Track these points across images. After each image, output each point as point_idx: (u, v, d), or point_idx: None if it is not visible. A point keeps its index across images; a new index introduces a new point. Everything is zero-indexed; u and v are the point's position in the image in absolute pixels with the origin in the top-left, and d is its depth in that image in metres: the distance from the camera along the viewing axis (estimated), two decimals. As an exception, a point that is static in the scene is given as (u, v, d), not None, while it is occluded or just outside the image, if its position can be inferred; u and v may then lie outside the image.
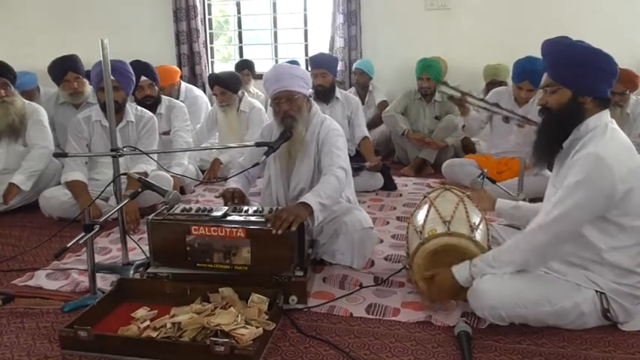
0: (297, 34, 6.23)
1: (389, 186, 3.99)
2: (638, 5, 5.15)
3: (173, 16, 6.02)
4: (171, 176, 3.42)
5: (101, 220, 2.12)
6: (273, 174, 2.69)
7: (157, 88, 3.92)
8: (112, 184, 2.46)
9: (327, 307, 2.19)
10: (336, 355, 1.88)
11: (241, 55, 6.37)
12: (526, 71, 3.57)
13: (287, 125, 2.51)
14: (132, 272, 2.50)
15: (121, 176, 2.49)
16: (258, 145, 2.52)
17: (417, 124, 4.72)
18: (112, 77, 2.48)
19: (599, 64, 1.86)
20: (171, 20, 6.05)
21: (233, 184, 2.66)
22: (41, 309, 2.22)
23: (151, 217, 2.29)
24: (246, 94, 4.50)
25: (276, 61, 6.12)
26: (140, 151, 2.74)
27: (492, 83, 4.78)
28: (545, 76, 1.95)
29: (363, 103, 5.00)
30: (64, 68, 3.96)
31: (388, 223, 3.28)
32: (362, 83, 5.42)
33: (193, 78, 6.08)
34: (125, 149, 2.53)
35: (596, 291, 1.91)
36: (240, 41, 6.41)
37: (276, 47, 6.27)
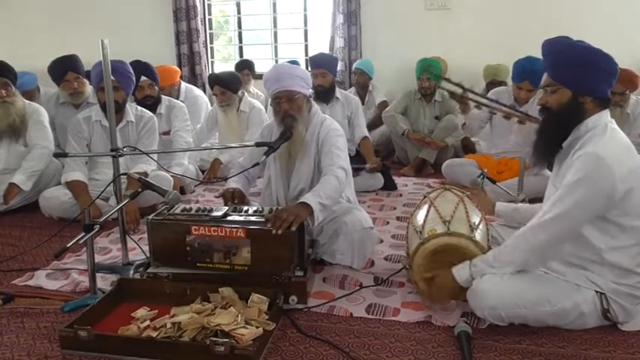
0: (297, 34, 6.23)
1: (389, 186, 4.00)
2: (638, 5, 5.15)
3: (173, 16, 6.02)
4: (172, 176, 3.42)
5: (101, 220, 2.13)
6: (273, 174, 2.69)
7: (157, 88, 3.92)
8: (112, 184, 2.46)
9: (327, 307, 2.19)
10: (336, 355, 1.88)
11: (241, 55, 6.37)
12: (526, 71, 3.57)
13: (287, 125, 2.51)
14: (132, 272, 2.50)
15: (121, 176, 2.49)
16: (258, 145, 2.52)
17: (417, 124, 4.73)
18: (112, 77, 2.48)
19: (599, 64, 1.86)
20: (171, 20, 6.05)
21: (233, 184, 2.66)
22: (41, 309, 2.22)
23: (151, 217, 2.29)
24: (246, 94, 4.50)
25: (276, 61, 6.12)
26: (140, 151, 2.75)
27: (492, 83, 4.78)
28: (545, 76, 1.95)
29: (363, 103, 5.00)
30: (64, 68, 3.96)
31: (388, 223, 3.28)
32: (362, 83, 5.42)
33: (193, 78, 6.08)
34: (125, 149, 2.53)
35: (596, 291, 1.91)
36: (240, 41, 6.42)
37: (276, 47, 6.27)
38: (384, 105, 5.20)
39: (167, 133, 3.93)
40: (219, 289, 2.09)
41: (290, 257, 2.17)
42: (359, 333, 2.02)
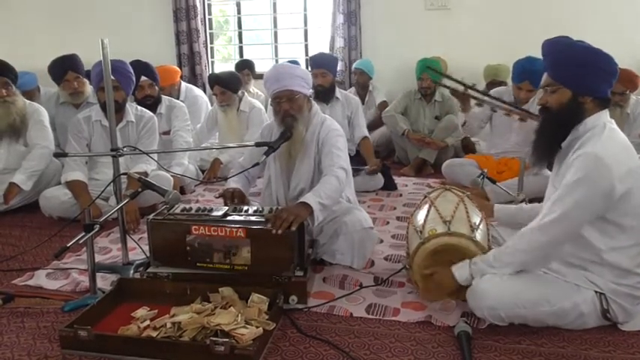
0: (297, 34, 6.23)
1: (389, 186, 4.00)
2: (638, 5, 5.16)
3: (173, 16, 6.02)
4: (172, 176, 3.42)
5: (101, 219, 2.13)
6: (273, 174, 2.69)
7: (157, 88, 3.92)
8: (112, 183, 2.46)
9: (327, 307, 2.19)
10: (336, 355, 1.88)
11: (241, 55, 6.37)
12: (526, 71, 3.56)
13: (287, 125, 2.51)
14: (132, 272, 2.50)
15: (121, 176, 2.49)
16: (258, 145, 2.52)
17: (417, 124, 4.73)
18: (112, 77, 2.48)
19: (599, 64, 1.86)
20: (171, 20, 6.05)
21: (233, 184, 2.66)
22: (41, 309, 2.22)
23: (151, 216, 2.29)
24: (246, 94, 4.50)
25: (276, 61, 6.12)
26: (140, 150, 2.75)
27: (492, 83, 4.78)
28: (545, 76, 1.95)
29: (363, 103, 5.01)
30: (64, 68, 3.96)
31: (388, 223, 3.28)
32: (362, 83, 5.42)
33: (193, 78, 6.08)
34: (125, 149, 2.53)
35: (596, 291, 1.91)
36: (241, 41, 6.42)
37: (276, 47, 6.27)
38: (384, 105, 5.20)
39: (167, 132, 3.93)
40: (219, 289, 2.09)
41: (290, 257, 2.17)
42: (359, 333, 2.02)
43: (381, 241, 2.91)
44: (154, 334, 1.88)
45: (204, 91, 5.58)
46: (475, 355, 1.86)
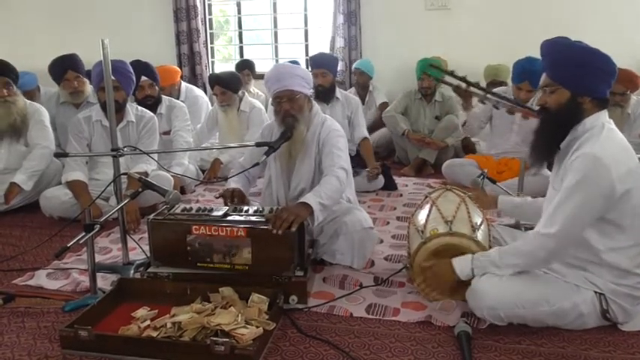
0: (298, 34, 6.23)
1: (389, 186, 4.00)
2: (638, 5, 5.15)
3: (173, 16, 6.02)
4: (172, 176, 3.42)
5: (101, 219, 2.13)
6: (273, 174, 2.69)
7: (157, 88, 3.92)
8: (112, 183, 2.46)
9: (327, 307, 2.19)
10: (336, 355, 1.88)
11: (242, 55, 6.37)
12: (526, 72, 3.56)
13: (288, 125, 2.51)
14: (132, 272, 2.50)
15: (122, 176, 2.49)
16: (258, 145, 2.52)
17: (418, 124, 4.73)
18: (112, 77, 2.48)
19: (597, 64, 1.86)
20: (171, 20, 6.05)
21: (233, 184, 2.66)
22: (42, 308, 2.22)
23: (151, 216, 2.29)
24: (246, 94, 4.50)
25: (277, 61, 6.12)
26: (140, 150, 2.75)
27: (493, 83, 4.77)
28: (544, 76, 1.95)
29: (363, 104, 5.01)
30: (64, 67, 3.96)
31: (388, 223, 3.28)
32: (362, 83, 5.42)
33: (194, 78, 6.08)
34: (125, 149, 2.53)
35: (595, 292, 1.91)
36: (241, 41, 6.42)
37: (276, 47, 6.28)
38: (385, 106, 5.19)
39: (167, 132, 3.93)
40: (220, 289, 2.10)
41: (291, 257, 2.17)
42: (359, 333, 2.02)
43: (381, 241, 2.91)
44: (155, 334, 1.88)
45: (205, 91, 5.58)
46: (475, 355, 1.86)
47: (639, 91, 3.86)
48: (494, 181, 2.94)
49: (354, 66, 5.48)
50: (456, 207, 2.30)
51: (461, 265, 2.00)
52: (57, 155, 3.51)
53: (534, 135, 2.01)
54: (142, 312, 2.02)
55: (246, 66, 5.55)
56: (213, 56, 6.47)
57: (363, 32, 5.74)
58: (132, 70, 3.40)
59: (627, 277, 1.90)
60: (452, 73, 3.05)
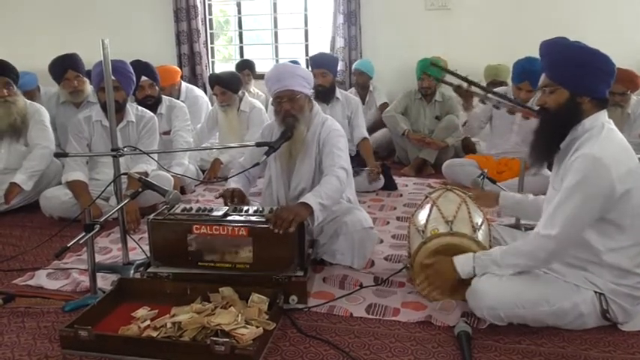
0: (298, 34, 6.23)
1: (389, 186, 4.00)
2: (638, 5, 5.15)
3: (173, 16, 6.02)
4: (172, 176, 3.42)
5: (101, 219, 2.13)
6: (273, 174, 2.69)
7: (157, 88, 3.93)
8: (112, 183, 2.46)
9: (327, 307, 2.19)
10: (336, 355, 1.88)
11: (242, 55, 6.37)
12: (525, 72, 3.56)
13: (288, 125, 2.51)
14: (132, 272, 2.50)
15: (122, 176, 2.49)
16: (258, 145, 2.52)
17: (418, 124, 4.73)
18: (112, 77, 2.48)
19: (596, 64, 1.86)
20: (171, 20, 6.05)
21: (233, 184, 2.66)
22: (42, 308, 2.22)
23: (151, 216, 2.29)
24: (246, 94, 4.51)
25: (277, 61, 6.12)
26: (140, 151, 2.75)
27: (493, 83, 4.77)
28: (543, 77, 1.95)
29: (363, 104, 5.01)
30: (64, 67, 3.96)
31: (388, 223, 3.28)
32: (362, 84, 5.42)
33: (194, 78, 6.08)
34: (126, 149, 2.53)
35: (595, 292, 1.91)
36: (241, 41, 6.42)
37: (276, 47, 6.28)
38: (385, 107, 5.18)
39: (167, 132, 3.93)
40: (220, 289, 2.10)
41: (292, 255, 2.18)
42: (359, 333, 2.02)
43: (381, 241, 2.91)
44: (155, 334, 1.88)
45: (205, 91, 5.58)
46: (475, 355, 1.86)
47: (639, 91, 3.86)
48: (494, 181, 2.94)
49: (353, 66, 5.48)
50: (457, 207, 2.30)
51: (462, 263, 2.00)
52: (57, 155, 3.51)
53: (534, 135, 2.01)
54: (142, 312, 2.03)
55: (246, 66, 5.55)
56: (213, 56, 6.47)
57: (363, 32, 5.74)
58: (132, 70, 3.40)
59: (627, 276, 1.90)
60: (454, 72, 3.04)
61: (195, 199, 3.86)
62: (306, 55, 6.09)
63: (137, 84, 3.66)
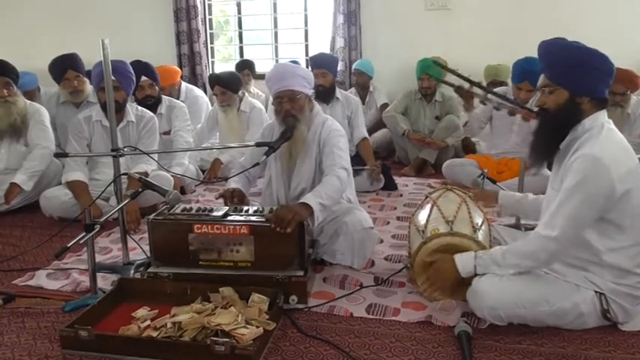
0: (298, 34, 6.23)
1: (389, 186, 4.00)
2: (638, 5, 5.15)
3: (173, 16, 6.02)
4: (172, 176, 3.42)
5: (102, 219, 2.13)
6: (274, 174, 2.69)
7: (157, 88, 3.93)
8: (112, 184, 2.46)
9: (327, 307, 2.19)
10: (336, 355, 1.88)
11: (242, 55, 6.37)
12: (525, 72, 3.56)
13: (288, 125, 2.51)
14: (132, 272, 2.50)
15: (122, 176, 2.49)
16: (258, 145, 2.52)
17: (418, 124, 4.73)
18: (112, 77, 2.48)
19: (595, 64, 1.86)
20: (171, 20, 6.05)
21: (233, 184, 2.66)
22: (42, 309, 2.22)
23: (151, 216, 2.29)
24: (246, 94, 4.51)
25: (277, 61, 6.12)
26: (141, 151, 2.75)
27: (493, 83, 4.77)
28: (542, 77, 1.95)
29: (363, 104, 5.01)
30: (64, 66, 3.97)
31: (388, 223, 3.28)
32: (361, 84, 5.42)
33: (194, 78, 6.08)
34: (126, 149, 2.53)
35: (596, 291, 1.91)
36: (241, 41, 6.42)
37: (276, 47, 6.27)
38: (385, 107, 5.18)
39: (167, 133, 3.93)
40: (220, 289, 2.10)
41: (293, 253, 2.18)
42: (359, 333, 2.02)
43: (382, 241, 2.91)
44: (155, 334, 1.88)
45: (205, 91, 5.58)
46: (475, 355, 1.86)
47: (639, 91, 3.86)
48: (494, 181, 2.94)
49: (353, 66, 5.47)
50: (457, 207, 2.30)
51: (463, 261, 2.00)
52: (57, 155, 3.51)
53: (534, 135, 2.01)
54: (142, 312, 2.03)
55: (246, 66, 5.55)
56: (213, 56, 6.47)
57: (363, 32, 5.74)
58: (132, 71, 3.40)
59: (627, 276, 1.90)
60: (456, 72, 3.04)
61: (196, 199, 3.86)
62: (306, 55, 6.09)
63: (137, 84, 3.66)
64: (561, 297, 1.91)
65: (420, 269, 2.17)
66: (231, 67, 5.96)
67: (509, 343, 1.93)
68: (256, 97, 5.06)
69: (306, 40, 6.18)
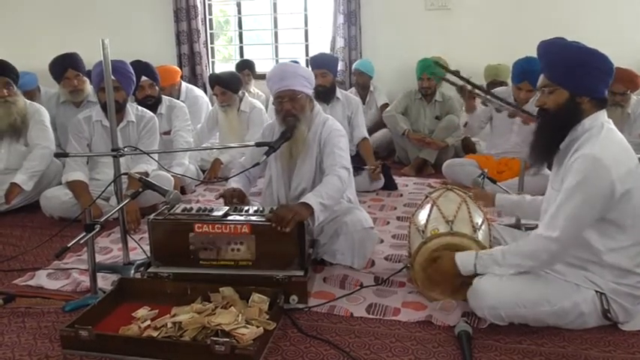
0: (298, 34, 6.22)
1: (389, 186, 4.00)
2: (638, 5, 5.15)
3: (174, 16, 6.02)
4: (172, 176, 3.42)
5: (102, 219, 2.13)
6: (274, 174, 2.69)
7: (157, 88, 3.93)
8: (112, 183, 2.46)
9: (327, 307, 2.19)
10: (336, 355, 1.88)
11: (242, 55, 6.37)
12: (525, 72, 3.56)
13: (289, 125, 2.51)
14: (132, 272, 2.50)
15: (122, 176, 2.49)
16: (258, 145, 2.52)
17: (418, 124, 4.73)
18: (112, 77, 2.49)
19: (594, 63, 1.86)
20: (171, 20, 6.04)
21: (234, 184, 2.66)
22: (42, 309, 2.22)
23: (151, 216, 2.29)
24: (246, 94, 4.51)
25: (277, 61, 6.12)
26: (141, 151, 2.75)
27: (493, 83, 4.77)
28: (542, 77, 1.95)
29: (363, 104, 5.01)
30: (64, 66, 3.97)
31: (389, 223, 3.28)
32: (362, 84, 5.41)
33: (194, 78, 6.08)
34: (126, 149, 2.53)
35: (596, 291, 1.91)
36: (241, 41, 6.41)
37: (276, 47, 6.27)
38: (386, 107, 5.18)
39: (168, 133, 3.93)
40: (220, 289, 2.10)
41: (294, 252, 2.18)
42: (359, 333, 2.02)
43: (382, 241, 2.91)
44: (155, 334, 1.88)
45: (205, 91, 5.58)
46: (475, 354, 1.86)
47: (639, 91, 3.86)
48: (494, 181, 2.94)
49: (354, 66, 5.47)
50: (457, 207, 2.30)
51: (463, 260, 2.00)
52: (57, 155, 3.51)
53: (534, 135, 2.01)
54: (142, 312, 2.03)
55: (246, 66, 5.55)
56: (213, 56, 6.47)
57: (363, 32, 5.74)
58: (132, 70, 3.40)
59: (628, 276, 1.90)
60: (457, 73, 3.04)
61: (196, 199, 3.86)
62: (306, 55, 6.08)
63: (137, 84, 3.66)
64: (562, 297, 1.91)
65: (420, 269, 2.17)
66: (231, 67, 5.96)
67: (509, 342, 1.93)
68: (256, 97, 5.06)
69: (306, 40, 6.17)
